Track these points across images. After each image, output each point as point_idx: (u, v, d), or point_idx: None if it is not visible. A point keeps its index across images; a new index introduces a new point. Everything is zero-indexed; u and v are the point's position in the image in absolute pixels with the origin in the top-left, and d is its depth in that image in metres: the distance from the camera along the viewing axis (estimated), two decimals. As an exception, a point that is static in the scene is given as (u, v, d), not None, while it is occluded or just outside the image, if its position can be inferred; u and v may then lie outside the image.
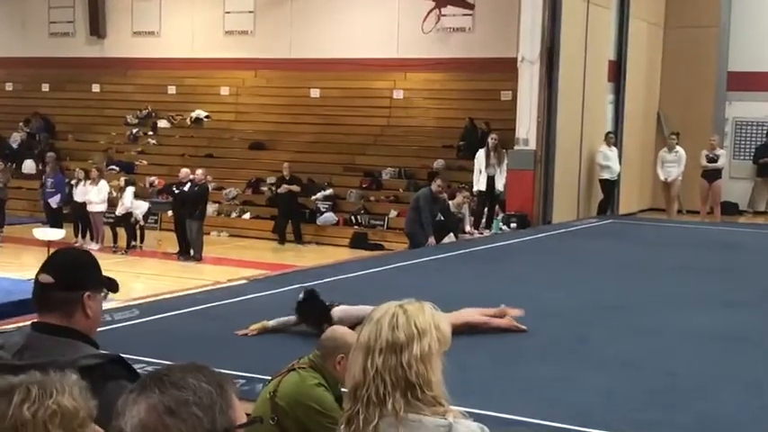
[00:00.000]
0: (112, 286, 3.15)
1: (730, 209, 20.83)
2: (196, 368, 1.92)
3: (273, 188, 21.52)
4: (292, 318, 7.92)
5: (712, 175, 19.34)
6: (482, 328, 7.80)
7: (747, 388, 6.86)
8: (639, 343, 8.05)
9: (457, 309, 7.66)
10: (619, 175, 19.27)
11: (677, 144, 19.42)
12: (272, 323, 7.90)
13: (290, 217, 19.60)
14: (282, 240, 19.42)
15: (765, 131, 21.19)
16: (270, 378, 5.27)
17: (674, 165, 19.30)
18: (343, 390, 5.13)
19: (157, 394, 1.81)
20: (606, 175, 18.81)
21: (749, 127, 21.56)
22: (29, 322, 3.12)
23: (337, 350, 5.06)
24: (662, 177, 19.45)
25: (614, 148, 18.93)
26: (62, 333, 2.92)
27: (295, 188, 19.69)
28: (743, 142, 21.62)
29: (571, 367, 7.27)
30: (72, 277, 2.96)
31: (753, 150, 21.29)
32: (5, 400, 1.80)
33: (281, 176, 19.97)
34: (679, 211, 20.23)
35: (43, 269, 2.97)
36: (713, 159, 19.33)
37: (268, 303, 9.05)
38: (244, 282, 10.31)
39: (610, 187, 19.04)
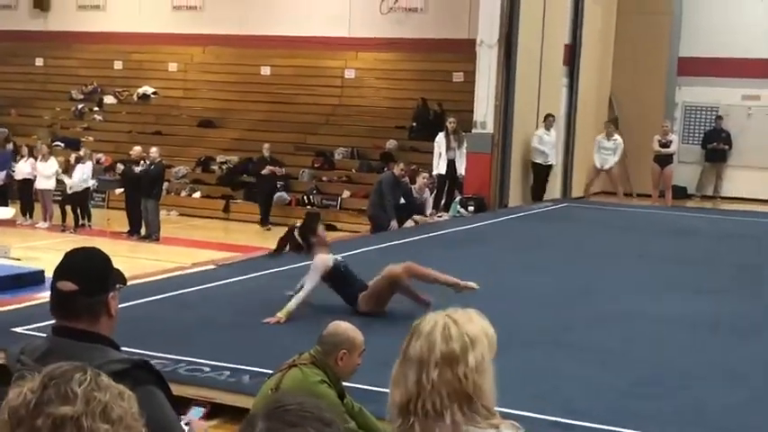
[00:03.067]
0: (123, 279, 3.06)
1: (679, 193, 21.12)
2: (308, 398, 1.82)
3: (223, 167, 21.29)
4: (305, 287, 8.02)
5: (664, 159, 19.56)
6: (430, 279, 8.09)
7: (730, 376, 6.95)
8: (618, 331, 8.10)
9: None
10: (558, 160, 19.29)
11: (615, 132, 19.49)
12: (293, 305, 7.88)
13: (270, 199, 19.26)
14: (266, 224, 18.78)
15: (714, 117, 21.50)
16: (269, 372, 5.18)
17: (610, 152, 19.39)
18: (344, 384, 5.11)
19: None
20: (539, 160, 18.46)
21: (699, 112, 21.86)
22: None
23: (339, 346, 5.01)
24: (597, 164, 19.52)
25: (553, 132, 18.49)
26: (87, 338, 2.82)
27: (278, 170, 19.36)
28: (692, 127, 21.92)
29: (554, 357, 7.29)
30: (95, 281, 2.86)
31: (702, 135, 21.61)
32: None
33: (262, 157, 19.52)
34: (630, 195, 20.42)
35: (62, 275, 2.83)
36: (665, 144, 19.54)
37: (241, 289, 8.92)
38: (213, 267, 10.13)
39: (542, 172, 18.66)
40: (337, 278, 8.20)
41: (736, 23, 21.05)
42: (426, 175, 16.03)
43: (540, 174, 18.62)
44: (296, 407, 1.72)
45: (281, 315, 7.78)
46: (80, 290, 2.80)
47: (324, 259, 8.19)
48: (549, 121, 18.31)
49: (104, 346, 2.84)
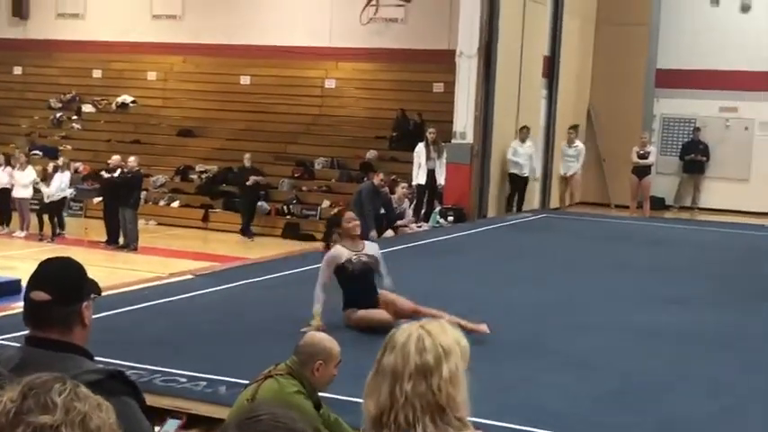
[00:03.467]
0: (97, 289, 3.04)
1: (657, 204, 21.24)
2: (282, 408, 1.82)
3: (202, 176, 21.25)
4: (317, 282, 7.95)
5: (642, 171, 19.64)
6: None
7: (702, 387, 6.98)
8: (592, 342, 8.12)
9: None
10: (537, 171, 19.23)
11: (576, 138, 19.52)
12: (317, 307, 7.81)
13: (253, 209, 19.17)
14: (249, 234, 18.77)
15: (692, 128, 21.64)
16: (245, 382, 5.17)
17: (573, 159, 19.41)
18: (320, 395, 5.11)
19: None
20: (514, 171, 18.26)
21: (676, 124, 22.00)
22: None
23: (315, 356, 5.00)
24: (562, 171, 19.53)
25: (529, 143, 18.27)
26: (60, 348, 2.81)
27: (261, 179, 19.30)
28: (670, 139, 22.05)
29: (528, 367, 7.30)
30: (69, 291, 2.85)
31: (680, 147, 21.74)
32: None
33: (243, 167, 19.44)
34: (608, 206, 20.49)
35: (35, 285, 2.82)
36: (644, 156, 19.63)
37: (218, 299, 8.89)
38: (190, 277, 10.10)
39: (518, 183, 18.49)
40: (343, 276, 8.04)
41: (713, 36, 21.21)
42: (405, 185, 16.06)
43: (516, 185, 18.51)
44: (268, 417, 1.72)
45: (316, 323, 7.60)
46: (54, 300, 2.78)
47: (335, 254, 8.07)
48: (523, 132, 18.15)
49: (78, 356, 2.83)
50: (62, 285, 2.83)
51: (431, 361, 2.59)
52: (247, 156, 19.51)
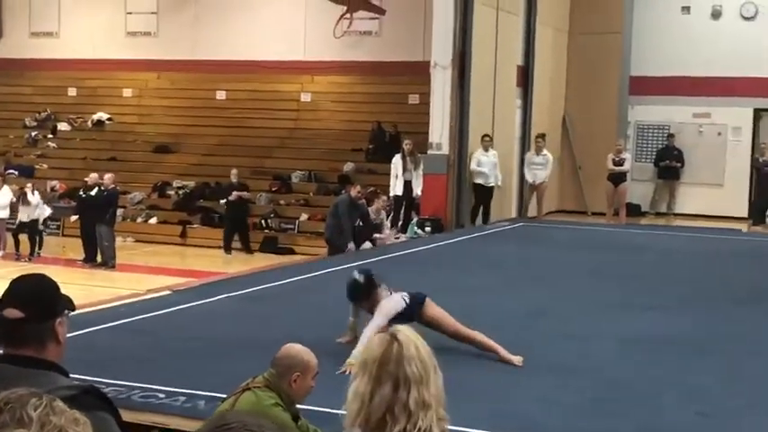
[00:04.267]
0: (71, 305, 3.04)
1: (633, 210, 21.35)
2: (251, 416, 1.83)
3: (179, 192, 21.20)
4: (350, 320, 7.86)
5: (618, 178, 19.74)
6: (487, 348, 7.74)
7: (683, 393, 7.00)
8: (574, 349, 8.14)
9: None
10: (513, 180, 19.15)
11: (545, 147, 19.46)
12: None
13: (239, 225, 19.05)
14: (229, 249, 18.69)
15: (666, 134, 21.80)
16: (224, 396, 5.16)
17: (540, 167, 19.34)
18: (298, 407, 5.12)
19: None
20: (479, 181, 17.81)
21: (651, 130, 22.15)
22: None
23: (293, 368, 4.99)
24: (529, 180, 19.42)
25: (492, 152, 17.81)
26: (34, 364, 2.80)
27: (246, 194, 19.20)
28: (645, 145, 22.19)
29: (512, 375, 7.31)
30: (42, 308, 2.84)
31: (654, 153, 21.88)
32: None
33: (230, 183, 19.34)
34: (585, 213, 20.59)
35: (8, 303, 2.81)
36: (619, 163, 19.74)
37: (196, 315, 8.87)
38: (168, 293, 10.07)
39: (483, 193, 18.01)
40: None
41: (685, 43, 21.40)
42: (385, 198, 16.09)
43: (481, 195, 18.05)
44: (238, 424, 1.74)
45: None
46: (27, 317, 2.78)
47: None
48: (485, 141, 17.71)
49: (53, 372, 2.81)
50: (35, 302, 2.82)
51: (435, 364, 2.68)
52: (234, 171, 19.44)
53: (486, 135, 17.75)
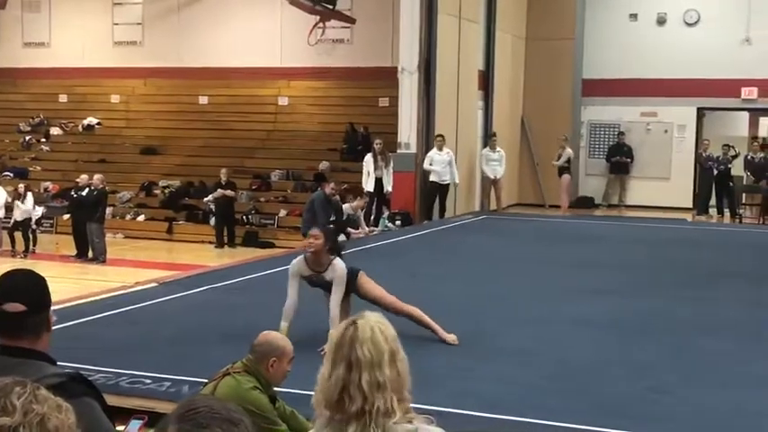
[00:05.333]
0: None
1: (587, 203, 21.50)
2: (218, 401, 1.81)
3: (165, 191, 21.08)
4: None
5: (559, 170, 20.01)
6: (424, 324, 7.62)
7: (632, 371, 7.04)
8: (529, 332, 8.17)
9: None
10: (476, 177, 19.09)
11: (497, 144, 19.42)
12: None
13: (226, 221, 18.95)
14: (221, 244, 18.54)
15: (616, 132, 21.94)
16: (206, 381, 5.13)
17: (497, 163, 19.34)
18: (275, 389, 5.10)
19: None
20: (434, 179, 17.35)
21: (602, 129, 22.28)
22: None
23: (270, 354, 5.00)
24: (490, 175, 19.36)
25: (446, 151, 17.34)
26: (24, 354, 2.77)
27: (229, 193, 19.05)
28: (597, 142, 22.32)
29: (471, 357, 7.31)
30: (39, 300, 2.81)
31: (606, 150, 22.01)
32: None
33: (218, 182, 19.13)
34: (543, 206, 20.67)
35: (7, 297, 2.77)
36: (558, 157, 19.98)
37: (182, 305, 8.82)
38: (154, 285, 10.00)
39: (437, 190, 17.50)
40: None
41: (633, 47, 21.53)
42: (367, 199, 16.01)
43: (434, 192, 17.55)
44: (205, 409, 1.72)
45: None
46: (29, 310, 2.75)
47: (297, 268, 7.48)
48: (438, 141, 17.32)
49: (41, 361, 2.79)
50: (32, 294, 2.80)
51: (367, 353, 2.60)
52: (224, 171, 19.25)
53: (438, 135, 17.38)
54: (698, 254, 13.68)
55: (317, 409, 2.65)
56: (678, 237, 15.83)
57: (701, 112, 21.83)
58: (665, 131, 21.75)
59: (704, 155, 20.58)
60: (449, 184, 17.63)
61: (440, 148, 17.39)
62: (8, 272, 2.91)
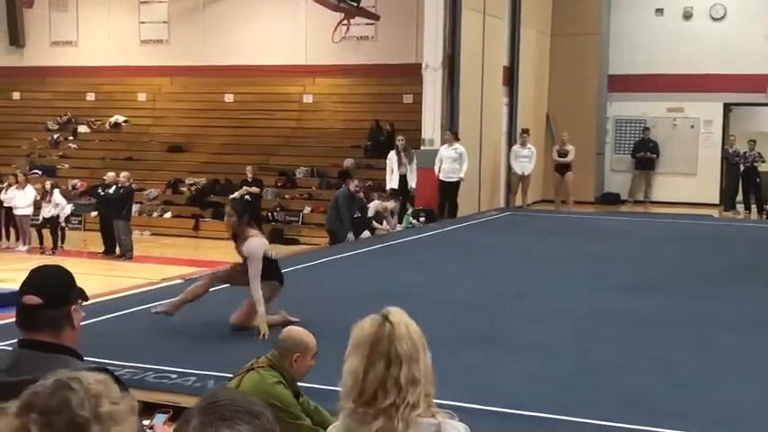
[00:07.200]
0: (84, 296, 3.05)
1: (613, 199, 21.39)
2: (240, 394, 1.83)
3: (192, 189, 21.18)
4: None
5: (563, 168, 19.76)
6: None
7: (656, 366, 7.01)
8: (551, 329, 8.14)
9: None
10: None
11: (529, 141, 19.31)
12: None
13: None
14: None
15: (642, 128, 21.79)
16: (230, 376, 5.16)
17: (527, 160, 19.25)
18: (299, 384, 5.12)
19: (245, 425, 1.70)
20: (441, 176, 16.90)
21: (628, 124, 22.14)
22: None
23: (293, 349, 5.02)
24: (518, 171, 19.23)
25: (457, 147, 16.79)
26: (51, 349, 2.81)
27: (255, 190, 19.12)
28: (623, 138, 22.18)
29: (494, 354, 7.31)
30: (58, 295, 2.86)
31: (631, 145, 21.87)
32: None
33: (245, 179, 19.19)
34: (564, 202, 20.55)
35: (27, 290, 2.82)
36: (563, 154, 19.79)
37: (207, 301, 8.85)
38: (180, 281, 10.05)
39: (446, 188, 17.03)
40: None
41: (659, 42, 21.38)
42: (399, 202, 16.03)
43: (443, 190, 17.04)
44: (228, 402, 1.74)
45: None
46: (44, 303, 2.79)
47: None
48: (445, 137, 16.90)
49: (68, 356, 2.82)
50: (51, 289, 2.84)
51: (424, 343, 2.68)
52: (249, 168, 19.33)
53: (448, 131, 17.00)
54: (725, 250, 13.57)
55: (343, 401, 2.67)
56: (705, 233, 15.72)
57: (727, 108, 21.63)
58: (692, 127, 21.59)
59: (731, 150, 20.41)
60: (457, 182, 17.01)
61: (451, 144, 16.87)
62: (37, 267, 2.97)
